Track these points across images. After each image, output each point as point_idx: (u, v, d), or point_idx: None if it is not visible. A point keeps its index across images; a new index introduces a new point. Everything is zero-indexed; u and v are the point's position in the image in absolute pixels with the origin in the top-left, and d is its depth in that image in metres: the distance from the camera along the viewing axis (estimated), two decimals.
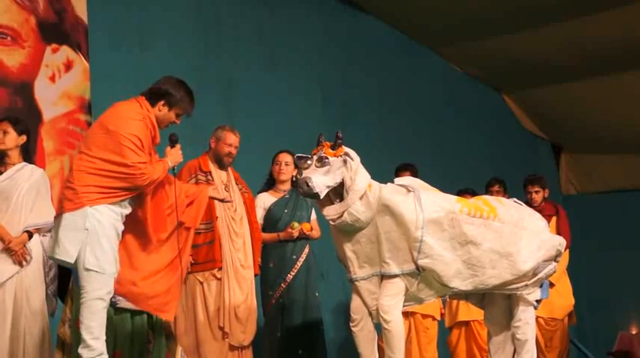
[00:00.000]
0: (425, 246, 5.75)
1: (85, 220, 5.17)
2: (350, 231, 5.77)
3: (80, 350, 5.20)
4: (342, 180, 5.72)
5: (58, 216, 5.29)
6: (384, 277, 5.81)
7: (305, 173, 5.67)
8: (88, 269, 5.17)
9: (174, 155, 5.56)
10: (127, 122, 5.27)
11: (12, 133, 6.29)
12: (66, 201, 5.24)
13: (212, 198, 6.03)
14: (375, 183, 5.83)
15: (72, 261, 5.20)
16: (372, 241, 5.78)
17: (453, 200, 6.00)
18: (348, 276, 5.97)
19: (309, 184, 5.60)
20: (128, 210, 5.38)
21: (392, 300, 5.78)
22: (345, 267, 5.98)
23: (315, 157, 5.70)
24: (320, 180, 5.64)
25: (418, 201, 5.78)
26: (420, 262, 5.75)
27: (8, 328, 6.05)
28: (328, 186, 5.69)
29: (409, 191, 5.84)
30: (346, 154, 5.74)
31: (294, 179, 5.59)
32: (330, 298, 7.71)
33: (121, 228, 5.37)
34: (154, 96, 5.44)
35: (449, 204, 5.91)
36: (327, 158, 5.65)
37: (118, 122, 5.28)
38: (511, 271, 6.03)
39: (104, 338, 5.24)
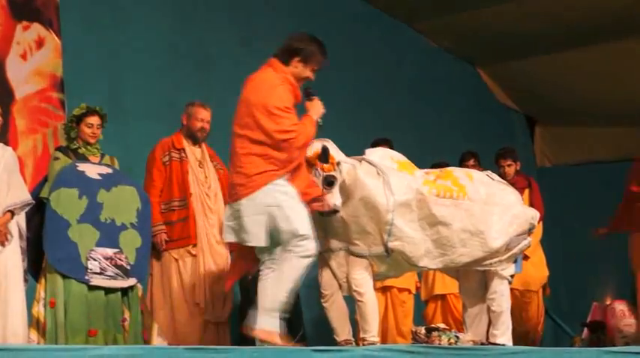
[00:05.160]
0: (395, 229, 5.78)
1: (265, 200, 5.18)
2: None
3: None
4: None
5: (234, 203, 5.28)
6: (352, 253, 5.85)
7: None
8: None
9: (316, 107, 5.47)
10: (270, 92, 5.22)
11: None
12: (238, 186, 5.24)
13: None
14: (347, 162, 5.81)
15: (265, 244, 5.23)
16: (340, 221, 5.79)
17: (420, 181, 5.98)
18: None
19: (338, 209, 5.66)
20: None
21: (363, 274, 5.84)
22: None
23: (320, 181, 5.63)
24: (338, 199, 5.66)
25: (387, 185, 5.78)
26: (390, 244, 5.79)
27: None
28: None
29: (379, 174, 5.84)
30: (338, 164, 5.71)
31: (323, 213, 5.66)
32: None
33: None
34: (286, 54, 5.37)
35: (417, 185, 5.92)
36: (333, 177, 5.64)
37: (260, 95, 5.21)
38: (482, 249, 6.05)
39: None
